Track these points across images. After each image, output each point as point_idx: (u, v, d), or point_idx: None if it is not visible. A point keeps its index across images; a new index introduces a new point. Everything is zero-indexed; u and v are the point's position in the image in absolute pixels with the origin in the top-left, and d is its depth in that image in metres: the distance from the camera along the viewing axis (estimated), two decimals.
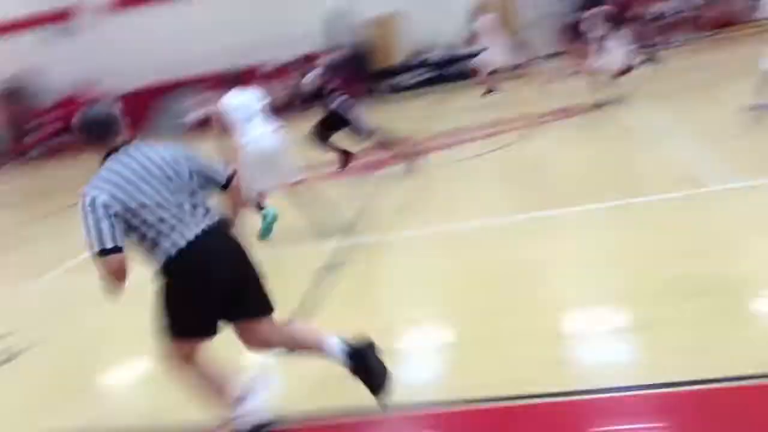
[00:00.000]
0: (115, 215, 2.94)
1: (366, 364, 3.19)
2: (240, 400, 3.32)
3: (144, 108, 21.10)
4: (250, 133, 6.43)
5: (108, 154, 3.09)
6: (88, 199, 2.95)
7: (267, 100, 6.80)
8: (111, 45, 21.28)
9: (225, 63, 19.72)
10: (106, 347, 5.13)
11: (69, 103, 20.70)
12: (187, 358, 3.23)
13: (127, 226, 2.99)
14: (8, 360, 4.90)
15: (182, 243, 3.02)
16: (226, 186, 3.28)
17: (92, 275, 3.12)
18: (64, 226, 9.36)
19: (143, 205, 2.98)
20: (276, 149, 6.59)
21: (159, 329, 3.19)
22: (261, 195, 6.74)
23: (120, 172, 3.01)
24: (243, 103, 6.57)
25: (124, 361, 4.89)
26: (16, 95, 22.10)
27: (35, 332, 5.60)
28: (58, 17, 21.31)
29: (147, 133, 18.80)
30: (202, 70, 20.55)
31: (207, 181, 3.23)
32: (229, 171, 3.34)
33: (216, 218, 3.18)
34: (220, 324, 3.22)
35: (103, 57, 21.30)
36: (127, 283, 3.00)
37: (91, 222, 2.92)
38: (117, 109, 3.22)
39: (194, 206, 3.10)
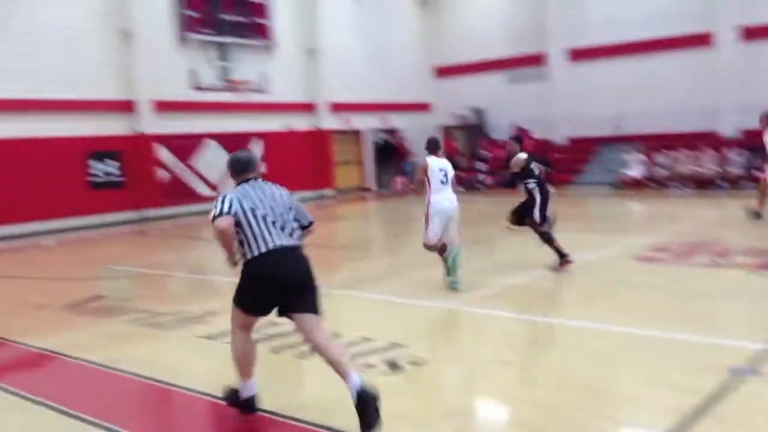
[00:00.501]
0: (235, 213, 4.34)
1: (368, 405, 4.08)
2: (248, 380, 4.54)
3: (584, 153, 21.73)
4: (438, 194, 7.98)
5: (242, 182, 4.57)
6: (221, 196, 4.43)
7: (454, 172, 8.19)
8: (568, 92, 22.44)
9: (679, 123, 19.61)
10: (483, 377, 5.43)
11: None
12: (243, 328, 4.60)
13: (238, 225, 4.34)
14: (397, 370, 5.46)
15: (264, 249, 4.34)
16: (306, 227, 4.68)
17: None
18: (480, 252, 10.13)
19: (254, 213, 4.37)
20: (451, 213, 8.07)
21: (233, 301, 4.53)
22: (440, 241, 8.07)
23: (247, 190, 4.48)
24: (442, 168, 8.04)
25: (494, 391, 5.10)
26: (473, 126, 24.80)
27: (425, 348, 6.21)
28: (529, 61, 23.16)
29: (582, 176, 19.31)
30: (650, 128, 20.37)
31: (297, 217, 4.59)
32: (311, 219, 4.74)
33: (296, 241, 4.53)
34: (271, 310, 4.51)
35: (558, 102, 22.67)
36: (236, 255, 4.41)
37: (217, 203, 4.38)
38: (255, 153, 5.61)
39: (283, 228, 4.44)
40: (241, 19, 19.67)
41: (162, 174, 18.08)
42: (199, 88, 16.18)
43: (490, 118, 24.52)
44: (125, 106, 17.47)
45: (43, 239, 14.76)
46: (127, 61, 17.45)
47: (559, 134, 22.69)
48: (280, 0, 20.99)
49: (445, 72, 25.74)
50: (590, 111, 21.83)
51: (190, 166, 18.83)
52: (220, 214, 4.31)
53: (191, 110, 18.66)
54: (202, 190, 18.09)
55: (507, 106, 23.87)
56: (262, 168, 17.10)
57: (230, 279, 9.80)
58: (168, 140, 18.30)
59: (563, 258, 8.70)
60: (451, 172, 8.16)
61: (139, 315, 7.54)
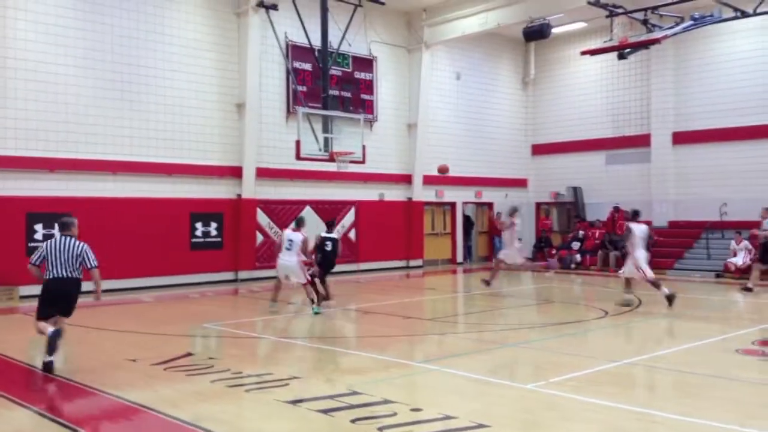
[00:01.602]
0: (41, 257, 8.14)
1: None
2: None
3: (686, 237, 20.94)
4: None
5: (61, 235, 8.26)
6: (41, 246, 7.94)
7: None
8: (670, 175, 21.89)
9: None
10: None
11: (609, 224, 21.96)
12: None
13: (45, 260, 8.14)
14: None
15: (50, 276, 8.10)
16: (90, 267, 8.23)
17: None
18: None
19: (52, 255, 8.21)
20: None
21: None
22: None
23: (56, 241, 8.26)
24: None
25: None
26: (569, 205, 24.44)
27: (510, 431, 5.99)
28: (629, 142, 22.82)
29: (684, 261, 18.55)
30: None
31: (81, 262, 8.21)
32: (94, 264, 8.30)
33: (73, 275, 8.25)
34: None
35: (659, 184, 22.10)
36: None
37: (36, 251, 8.15)
38: (72, 219, 8.49)
39: (65, 266, 8.14)
40: (346, 94, 20.53)
41: (259, 237, 18.70)
42: (301, 158, 16.83)
43: (587, 198, 24.12)
44: (232, 172, 18.35)
45: (142, 295, 15.46)
46: (239, 131, 18.45)
47: (660, 217, 21.98)
48: (385, 76, 21.80)
49: (542, 149, 25.68)
50: (693, 195, 21.13)
51: None
52: (31, 262, 8.22)
53: (292, 178, 19.40)
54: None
55: (605, 186, 23.51)
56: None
57: (314, 344, 9.93)
58: (267, 205, 19.01)
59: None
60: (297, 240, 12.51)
61: (226, 375, 7.70)
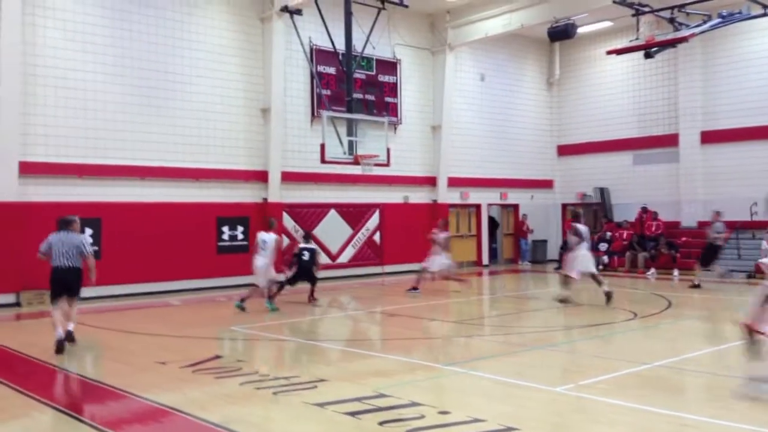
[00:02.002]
0: (49, 246, 9.64)
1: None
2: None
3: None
4: None
5: (61, 230, 9.65)
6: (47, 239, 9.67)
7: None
8: (698, 174, 21.61)
9: None
10: None
11: (638, 224, 21.71)
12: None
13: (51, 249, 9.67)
14: None
15: (54, 265, 9.65)
16: (86, 256, 9.77)
17: None
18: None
19: (56, 246, 9.64)
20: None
21: None
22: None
23: (59, 235, 9.68)
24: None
25: None
26: (596, 206, 24.21)
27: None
28: (657, 142, 22.56)
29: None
30: None
31: (79, 252, 9.63)
32: (88, 252, 9.74)
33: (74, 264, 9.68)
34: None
35: (687, 184, 21.80)
36: None
37: (43, 243, 9.82)
38: (74, 218, 9.99)
39: (67, 256, 9.64)
40: (370, 97, 20.58)
41: (286, 241, 18.80)
42: (326, 161, 16.89)
43: (615, 198, 23.87)
44: (258, 176, 18.48)
45: (170, 298, 15.62)
46: (264, 135, 18.58)
47: (688, 217, 21.69)
48: (409, 78, 21.80)
49: (568, 150, 25.48)
50: (722, 195, 20.78)
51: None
52: (39, 251, 9.60)
53: (317, 181, 19.48)
54: (322, 258, 18.56)
55: (632, 186, 23.26)
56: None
57: (340, 347, 9.95)
58: (293, 208, 19.10)
59: None
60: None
61: (254, 377, 7.74)
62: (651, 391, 7.18)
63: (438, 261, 15.88)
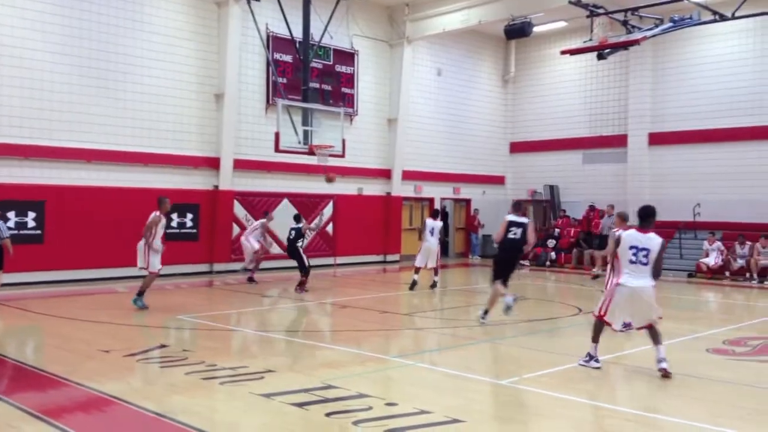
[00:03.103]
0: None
1: None
2: None
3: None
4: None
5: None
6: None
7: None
8: (645, 175, 22.19)
9: (762, 214, 19.03)
10: None
11: (585, 222, 22.16)
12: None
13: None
14: None
15: None
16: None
17: None
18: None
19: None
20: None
21: None
22: None
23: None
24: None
25: None
26: (546, 203, 24.61)
27: (484, 425, 6.01)
28: (606, 142, 23.03)
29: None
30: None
31: None
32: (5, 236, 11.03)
33: None
34: None
35: (634, 184, 22.35)
36: None
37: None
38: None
39: None
40: (327, 87, 20.44)
41: (234, 229, 18.58)
42: (280, 150, 16.74)
43: (564, 196, 24.32)
44: (209, 163, 18.19)
45: (117, 285, 15.29)
46: (217, 121, 18.29)
47: (634, 217, 22.18)
48: (366, 70, 21.73)
49: (521, 147, 25.82)
50: (667, 195, 21.37)
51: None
52: None
53: (270, 170, 19.29)
54: (273, 248, 18.43)
55: (581, 185, 23.71)
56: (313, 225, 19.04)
57: (289, 338, 9.90)
58: (244, 197, 18.89)
59: None
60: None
61: (200, 367, 7.64)
62: (594, 385, 7.35)
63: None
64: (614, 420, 6.16)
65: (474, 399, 6.70)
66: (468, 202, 25.19)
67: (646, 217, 7.82)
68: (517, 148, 25.96)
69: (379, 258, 22.21)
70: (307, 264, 14.67)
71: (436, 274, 15.57)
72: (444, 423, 5.68)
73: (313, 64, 19.27)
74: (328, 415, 5.89)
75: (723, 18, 16.95)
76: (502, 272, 10.65)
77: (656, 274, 7.58)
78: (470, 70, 24.94)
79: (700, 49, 21.26)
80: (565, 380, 7.38)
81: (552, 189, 24.44)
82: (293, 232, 15.08)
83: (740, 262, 18.38)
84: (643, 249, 7.54)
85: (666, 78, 21.98)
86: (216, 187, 18.32)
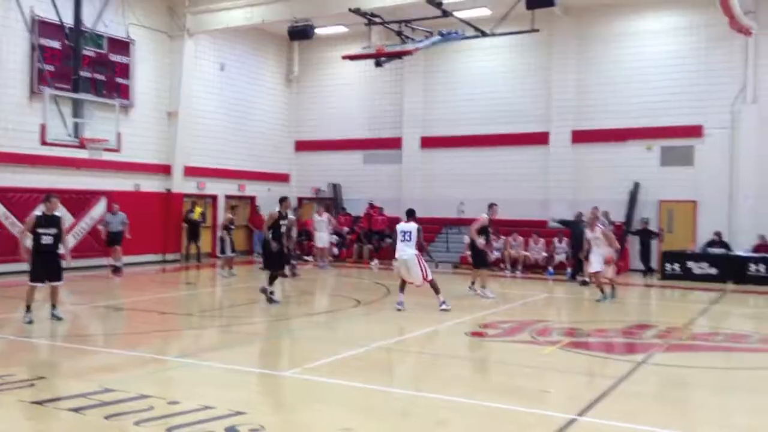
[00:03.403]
0: None
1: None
2: None
3: (430, 233, 22.76)
4: None
5: None
6: None
7: None
8: (418, 175, 23.84)
9: (516, 211, 21.32)
10: None
11: (366, 219, 23.28)
12: None
13: None
14: None
15: None
16: None
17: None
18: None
19: None
20: None
21: None
22: None
23: None
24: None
25: None
26: (329, 200, 25.40)
27: (266, 416, 6.33)
28: (384, 144, 24.35)
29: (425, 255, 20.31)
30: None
31: None
32: None
33: None
34: None
35: (408, 183, 23.91)
36: None
37: None
38: None
39: None
40: (100, 77, 19.23)
41: None
42: (46, 143, 15.53)
43: (346, 194, 25.31)
44: None
45: None
46: None
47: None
48: (144, 61, 20.83)
49: (305, 146, 26.37)
50: (437, 194, 23.19)
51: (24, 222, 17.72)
52: None
53: (35, 164, 17.76)
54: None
55: (362, 183, 24.82)
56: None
57: (59, 343, 9.36)
58: (5, 193, 17.23)
59: None
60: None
61: None
62: (369, 370, 7.94)
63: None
64: (385, 401, 6.76)
65: (257, 391, 6.95)
66: (253, 199, 25.20)
67: (410, 214, 12.49)
68: (302, 146, 26.48)
69: (158, 257, 21.45)
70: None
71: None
72: (227, 416, 5.85)
73: (85, 52, 18.12)
74: (107, 417, 5.78)
75: (484, 34, 18.76)
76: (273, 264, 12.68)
77: (419, 247, 12.24)
78: (255, 67, 24.97)
79: (466, 61, 23.28)
80: (344, 367, 7.89)
81: (335, 187, 25.32)
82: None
83: (496, 254, 20.43)
84: (407, 232, 12.05)
85: (436, 87, 23.79)
86: None
